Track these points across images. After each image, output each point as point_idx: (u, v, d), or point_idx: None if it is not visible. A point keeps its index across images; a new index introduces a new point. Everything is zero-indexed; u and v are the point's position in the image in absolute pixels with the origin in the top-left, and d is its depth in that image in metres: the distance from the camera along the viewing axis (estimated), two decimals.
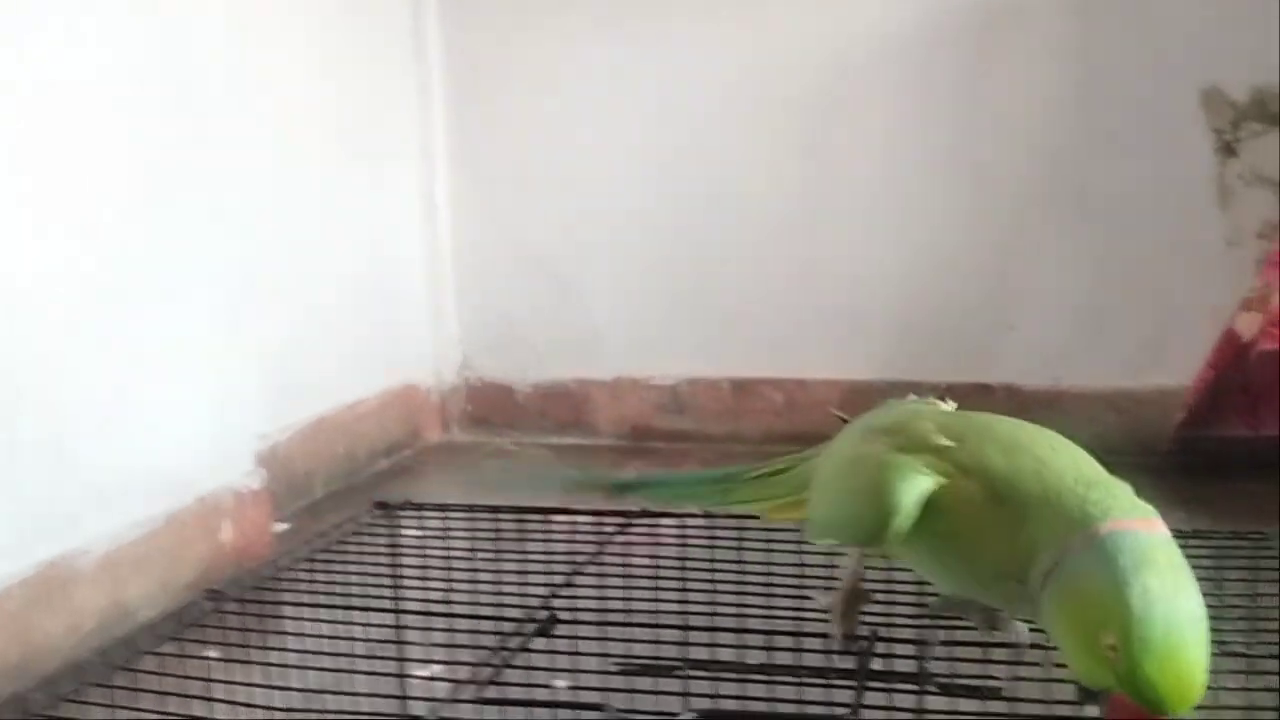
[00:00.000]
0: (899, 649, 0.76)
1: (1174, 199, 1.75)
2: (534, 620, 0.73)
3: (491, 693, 0.70)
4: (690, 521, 0.92)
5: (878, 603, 0.86)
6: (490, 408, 2.00)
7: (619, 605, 0.86)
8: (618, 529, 0.91)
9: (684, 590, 0.89)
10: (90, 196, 1.24)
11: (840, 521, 0.70)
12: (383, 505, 0.91)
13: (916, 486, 0.64)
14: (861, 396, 1.88)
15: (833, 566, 0.89)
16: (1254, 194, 1.73)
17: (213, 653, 0.81)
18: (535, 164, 1.95)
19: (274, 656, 0.82)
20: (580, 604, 0.86)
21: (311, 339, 1.65)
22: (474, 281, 1.99)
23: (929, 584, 0.83)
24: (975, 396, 1.83)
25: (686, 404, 1.94)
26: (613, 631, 0.78)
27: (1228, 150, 1.74)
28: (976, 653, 0.79)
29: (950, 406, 0.80)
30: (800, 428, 1.90)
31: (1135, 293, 1.77)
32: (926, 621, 0.78)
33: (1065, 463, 0.63)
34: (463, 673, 0.75)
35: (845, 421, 0.83)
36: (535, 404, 1.99)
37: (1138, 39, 1.74)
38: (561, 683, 0.80)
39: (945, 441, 0.66)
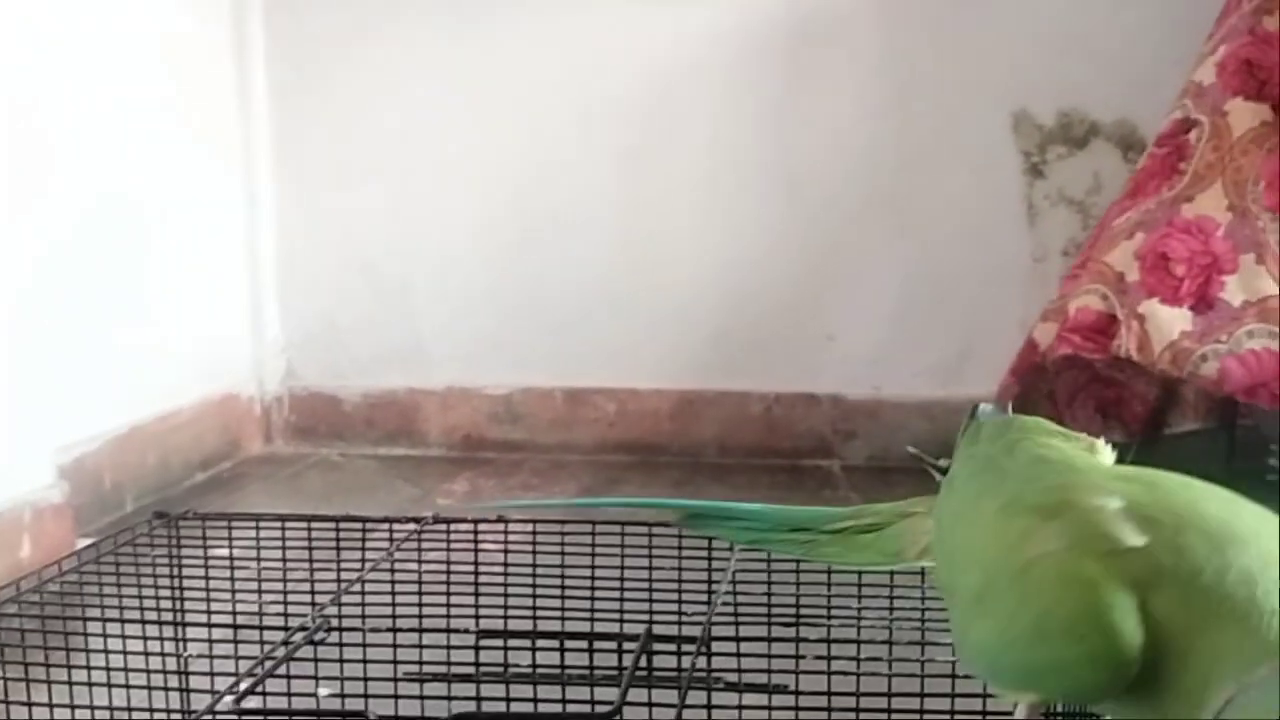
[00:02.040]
0: (684, 646, 0.76)
1: (985, 215, 1.83)
2: (304, 629, 0.72)
3: (252, 702, 0.69)
4: (484, 528, 0.91)
5: (658, 600, 0.87)
6: (315, 418, 1.96)
7: (407, 612, 0.85)
8: (408, 536, 0.90)
9: (476, 596, 0.88)
10: None
11: (1034, 668, 0.50)
12: (162, 515, 0.88)
13: (1133, 622, 0.47)
14: (692, 406, 1.91)
15: (620, 569, 0.89)
16: (1059, 213, 1.82)
17: None
18: (363, 165, 1.92)
19: (40, 674, 0.78)
20: (367, 611, 0.84)
21: (122, 344, 1.59)
22: (299, 286, 1.95)
23: (714, 582, 0.85)
24: (802, 406, 1.88)
25: (519, 413, 1.93)
26: (387, 638, 0.77)
27: (1035, 171, 1.82)
28: (761, 647, 0.80)
29: (1101, 449, 0.62)
30: (633, 437, 1.91)
31: (947, 305, 1.84)
32: (704, 618, 0.79)
33: None
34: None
35: (925, 462, 0.70)
36: (363, 414, 1.95)
37: (951, 60, 1.81)
38: (326, 691, 0.78)
39: (1135, 539, 0.49)
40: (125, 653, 0.80)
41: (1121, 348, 1.38)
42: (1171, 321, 1.37)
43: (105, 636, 0.80)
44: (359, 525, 0.91)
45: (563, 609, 0.89)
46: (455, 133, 1.90)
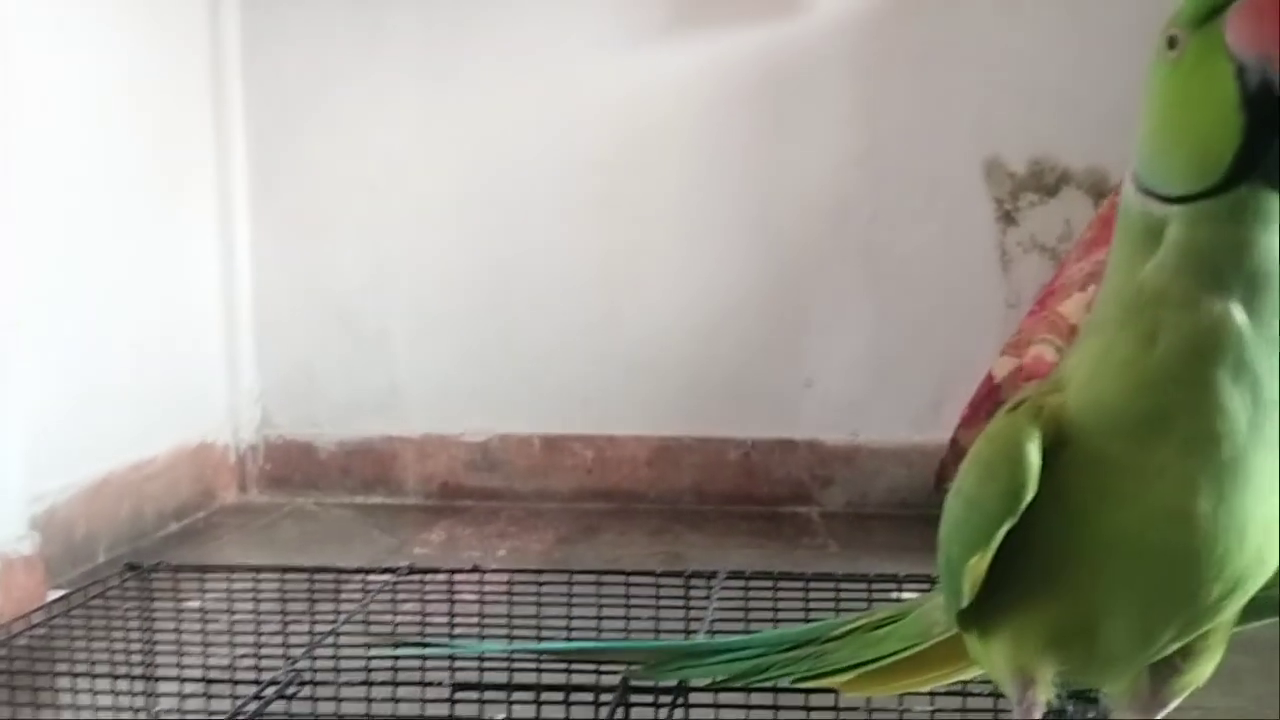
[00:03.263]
0: (660, 697, 0.76)
1: (959, 261, 1.84)
2: (275, 683, 0.71)
3: None
4: (459, 578, 0.91)
5: None
6: (291, 466, 1.94)
7: (381, 665, 0.84)
8: (383, 587, 0.89)
9: (451, 649, 0.87)
10: None
11: (966, 508, 0.57)
12: (134, 567, 0.87)
13: (1033, 458, 0.54)
14: (670, 453, 1.90)
15: (597, 619, 0.89)
16: (1032, 259, 1.84)
17: None
18: (338, 213, 1.92)
19: None
20: (340, 663, 0.83)
21: (95, 393, 1.58)
22: (274, 334, 1.94)
23: (692, 630, 0.85)
24: (780, 452, 1.88)
25: (497, 461, 1.93)
26: (361, 691, 0.76)
27: (1008, 218, 1.84)
28: (739, 697, 0.80)
29: None
30: (611, 484, 1.91)
31: (921, 350, 1.85)
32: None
33: None
34: None
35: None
36: (339, 462, 1.94)
37: (924, 109, 1.84)
38: None
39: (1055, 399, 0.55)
40: (95, 707, 0.79)
41: None
42: None
43: (75, 691, 0.79)
44: (332, 576, 0.91)
45: (539, 660, 0.88)
46: (430, 180, 1.91)
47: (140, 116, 1.70)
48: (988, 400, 1.63)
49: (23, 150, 1.42)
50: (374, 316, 1.93)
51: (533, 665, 0.87)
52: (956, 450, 1.68)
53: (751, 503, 1.87)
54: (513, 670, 0.87)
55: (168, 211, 1.78)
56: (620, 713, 0.72)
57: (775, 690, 0.81)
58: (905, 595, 0.89)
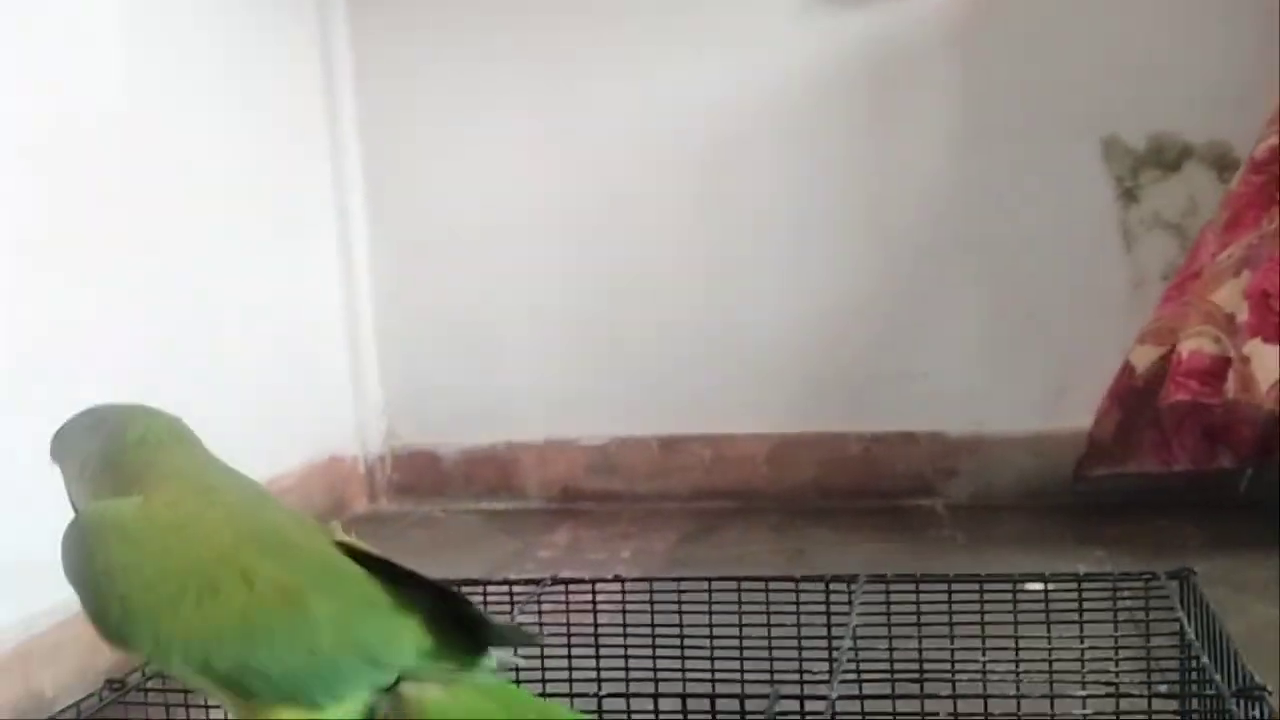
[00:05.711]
0: (808, 705, 0.76)
1: (1079, 243, 1.80)
2: None
3: None
4: (602, 588, 0.92)
5: (778, 659, 0.87)
6: (417, 475, 1.99)
7: (530, 675, 0.85)
8: (529, 598, 0.91)
9: (597, 656, 0.89)
10: None
11: None
12: None
13: None
14: (789, 450, 1.90)
15: (739, 626, 0.90)
16: (1155, 237, 1.79)
17: None
18: (451, 230, 1.96)
19: None
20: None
21: (228, 413, 1.63)
22: (396, 348, 1.99)
23: (835, 636, 0.85)
24: (900, 445, 1.87)
25: (616, 463, 1.95)
26: None
27: (1129, 196, 1.80)
28: (885, 705, 0.80)
29: None
30: (729, 483, 1.91)
31: (1043, 336, 1.82)
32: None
33: None
34: None
35: None
36: (462, 469, 1.98)
37: (1035, 91, 1.80)
38: None
39: None
40: None
41: (1229, 391, 1.35)
42: (1276, 360, 1.34)
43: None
44: (479, 587, 0.93)
45: (683, 668, 0.89)
46: (538, 193, 1.93)
47: (259, 146, 1.76)
48: (1128, 392, 1.59)
49: (140, 177, 1.47)
50: (489, 327, 1.97)
51: (676, 673, 0.88)
52: (1095, 444, 1.64)
53: (873, 497, 1.85)
54: (658, 680, 0.88)
55: (289, 236, 1.84)
56: None
57: (923, 697, 0.81)
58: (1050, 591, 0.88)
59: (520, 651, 0.87)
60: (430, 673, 0.61)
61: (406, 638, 0.61)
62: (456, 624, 0.62)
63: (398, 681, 0.61)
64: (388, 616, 0.61)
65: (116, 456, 0.67)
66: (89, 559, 0.60)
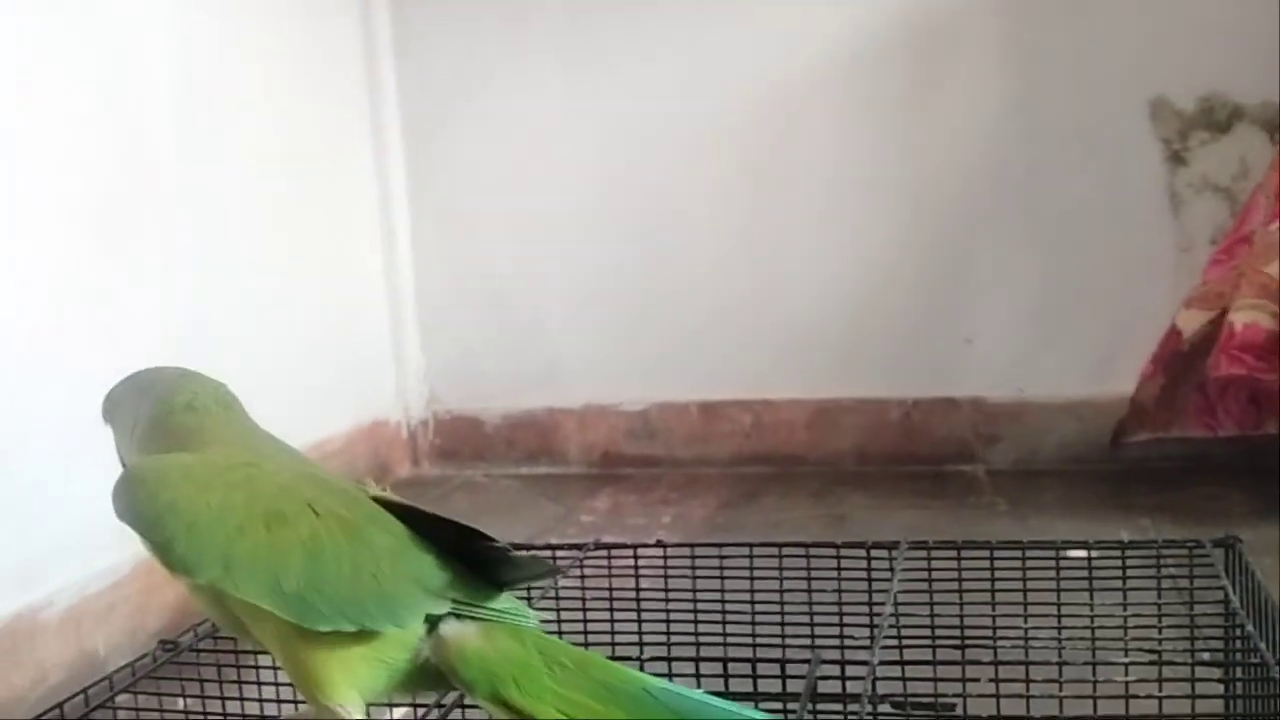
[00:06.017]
0: (849, 670, 0.77)
1: (1125, 207, 1.78)
2: None
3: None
4: (644, 553, 0.93)
5: (819, 624, 0.87)
6: (459, 440, 2.01)
7: (573, 639, 0.86)
8: (572, 563, 0.92)
9: (639, 621, 0.90)
10: (39, 246, 1.24)
11: None
12: None
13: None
14: (829, 415, 1.90)
15: (780, 591, 0.90)
16: (1204, 201, 1.76)
17: (179, 703, 0.82)
18: (491, 199, 1.97)
19: (234, 707, 0.83)
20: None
21: (273, 380, 1.65)
22: (437, 316, 2.00)
23: (876, 603, 0.85)
24: (941, 411, 1.86)
25: (656, 428, 1.95)
26: None
27: (1177, 159, 1.77)
28: (926, 670, 0.80)
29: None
30: (769, 448, 1.91)
31: (1089, 301, 1.80)
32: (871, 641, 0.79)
33: None
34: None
35: None
36: (503, 435, 2.00)
37: (1081, 52, 1.77)
38: None
39: None
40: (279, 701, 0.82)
41: None
42: None
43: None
44: (524, 552, 0.93)
45: (724, 632, 0.89)
46: (577, 161, 1.93)
47: (302, 120, 1.77)
48: (1174, 357, 1.57)
49: (187, 156, 1.49)
50: (530, 294, 1.98)
51: (718, 638, 0.89)
52: (1136, 408, 1.63)
53: (914, 462, 1.85)
54: (700, 644, 0.88)
55: (331, 207, 1.86)
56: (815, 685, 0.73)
57: (964, 663, 0.81)
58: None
59: (563, 614, 0.89)
60: (465, 610, 0.64)
61: (448, 575, 0.64)
62: (474, 567, 0.65)
63: (435, 625, 0.63)
64: (432, 554, 0.64)
65: (165, 420, 0.69)
66: (152, 496, 0.62)
